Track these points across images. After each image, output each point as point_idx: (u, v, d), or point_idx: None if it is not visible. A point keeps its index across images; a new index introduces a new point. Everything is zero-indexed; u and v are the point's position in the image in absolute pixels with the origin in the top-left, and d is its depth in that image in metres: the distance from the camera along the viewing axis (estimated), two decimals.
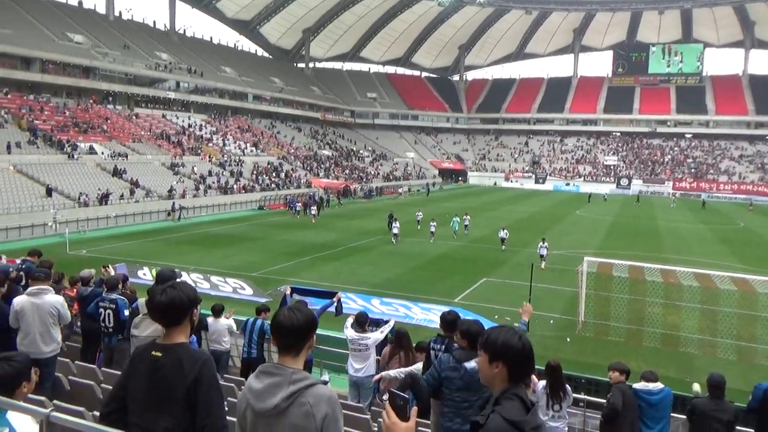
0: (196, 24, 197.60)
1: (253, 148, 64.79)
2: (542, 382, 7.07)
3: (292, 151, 71.57)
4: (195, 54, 75.70)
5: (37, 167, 38.29)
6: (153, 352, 2.98)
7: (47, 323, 6.28)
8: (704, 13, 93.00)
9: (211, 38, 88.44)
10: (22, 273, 8.96)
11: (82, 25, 61.39)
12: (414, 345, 8.06)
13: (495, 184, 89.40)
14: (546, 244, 26.18)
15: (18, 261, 11.39)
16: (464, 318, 5.23)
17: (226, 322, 10.14)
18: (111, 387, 6.04)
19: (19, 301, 6.30)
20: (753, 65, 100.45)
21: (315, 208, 42.21)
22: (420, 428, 6.69)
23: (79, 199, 35.98)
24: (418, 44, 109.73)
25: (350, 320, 8.55)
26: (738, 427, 6.51)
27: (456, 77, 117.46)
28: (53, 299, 6.45)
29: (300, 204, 45.26)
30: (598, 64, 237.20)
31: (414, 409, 2.47)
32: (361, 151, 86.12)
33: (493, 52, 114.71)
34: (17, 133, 42.00)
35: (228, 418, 3.11)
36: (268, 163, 61.11)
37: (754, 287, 17.61)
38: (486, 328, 4.84)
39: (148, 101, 62.75)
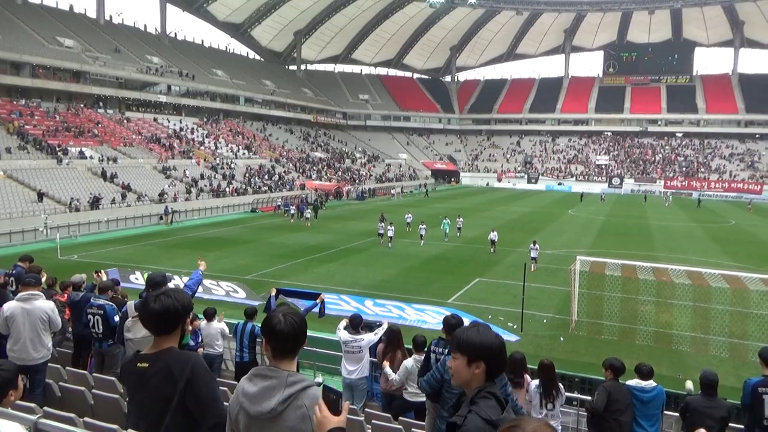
0: (187, 27, 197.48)
1: (246, 151, 64.65)
2: (535, 381, 7.09)
3: (285, 153, 71.47)
4: (186, 57, 75.49)
5: (27, 172, 38.04)
6: (139, 364, 2.92)
7: (38, 329, 6.24)
8: (694, 13, 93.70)
9: (202, 41, 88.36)
10: (12, 278, 8.90)
11: (72, 30, 61.09)
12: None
13: (488, 184, 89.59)
14: (537, 246, 25.77)
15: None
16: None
17: (218, 325, 10.09)
18: (103, 392, 6.03)
19: (9, 306, 6.25)
20: (742, 64, 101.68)
21: (309, 210, 42.08)
22: (414, 429, 6.69)
23: (70, 204, 35.76)
24: (409, 46, 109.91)
25: (343, 323, 8.54)
26: (731, 424, 6.54)
27: (448, 78, 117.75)
28: (44, 305, 6.40)
29: (294, 207, 44.96)
30: (589, 64, 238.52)
31: (346, 403, 2.52)
32: (353, 153, 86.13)
33: (484, 53, 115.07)
34: (7, 138, 41.77)
35: None
36: (261, 166, 60.99)
37: (745, 284, 17.70)
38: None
39: (139, 105, 62.52)
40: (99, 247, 30.15)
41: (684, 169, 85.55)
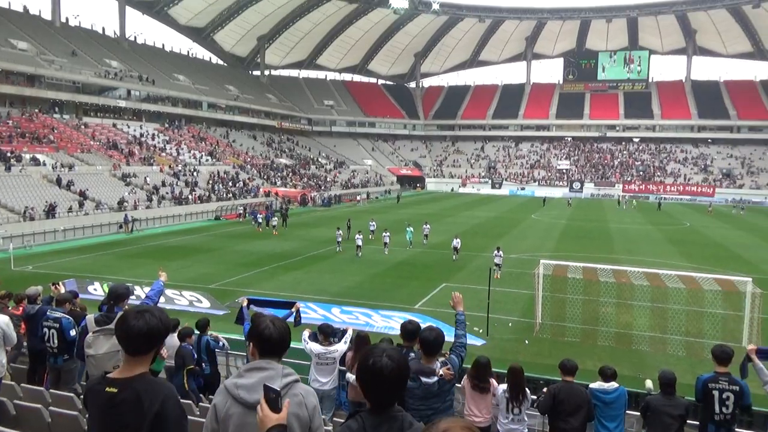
0: (148, 31, 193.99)
1: (209, 157, 63.66)
2: (503, 386, 7.17)
3: (249, 159, 70.67)
4: (146, 61, 73.98)
5: None
6: (107, 388, 2.71)
7: None
8: (649, 22, 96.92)
9: (163, 45, 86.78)
10: None
11: (26, 32, 59.18)
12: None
13: (452, 190, 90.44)
14: (501, 252, 25.26)
15: None
16: (424, 326, 5.21)
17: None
18: (61, 410, 5.82)
19: None
20: (695, 71, 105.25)
21: (277, 218, 41.40)
22: None
23: (24, 212, 34.54)
24: (374, 52, 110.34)
25: (307, 332, 8.44)
26: (689, 421, 6.75)
27: (412, 84, 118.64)
28: None
29: (260, 214, 43.90)
30: (550, 71, 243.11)
31: (286, 401, 2.56)
32: (318, 159, 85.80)
33: (448, 59, 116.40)
34: None
35: None
36: (225, 173, 60.15)
37: (700, 284, 18.33)
38: (444, 335, 4.91)
39: (97, 110, 60.93)
40: (55, 257, 29.19)
41: (641, 173, 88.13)
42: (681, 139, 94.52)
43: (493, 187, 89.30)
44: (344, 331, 8.81)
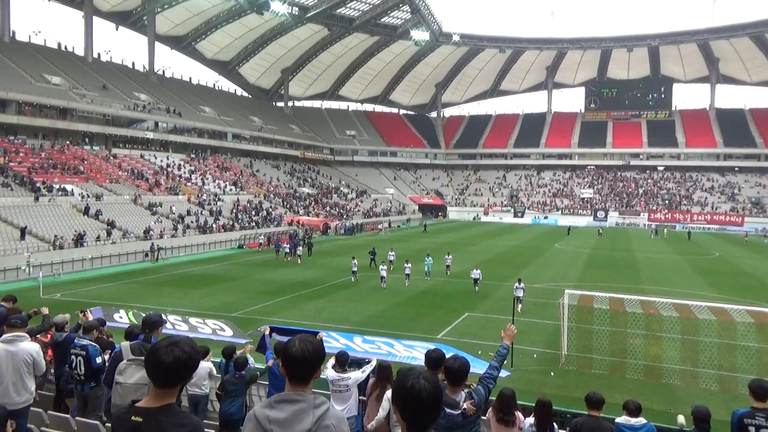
0: (176, 65, 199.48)
1: (233, 187, 64.64)
2: (530, 419, 7.01)
3: (272, 189, 71.53)
4: (174, 94, 76.03)
5: (10, 210, 37.60)
6: (133, 417, 2.75)
7: (21, 372, 6.08)
8: (670, 50, 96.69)
9: (190, 78, 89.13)
10: None
11: (59, 67, 61.43)
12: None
13: (475, 218, 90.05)
14: (522, 285, 24.14)
15: None
16: (449, 355, 5.16)
17: (206, 365, 9.89)
18: None
19: None
20: (719, 99, 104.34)
21: (301, 248, 40.95)
22: None
23: (54, 241, 35.30)
24: (395, 83, 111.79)
25: (331, 361, 8.42)
26: None
27: (433, 114, 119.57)
28: (29, 347, 6.26)
29: (286, 244, 43.10)
30: (571, 100, 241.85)
31: None
32: (341, 188, 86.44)
33: (469, 89, 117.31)
34: None
35: None
36: (248, 202, 60.92)
37: (731, 316, 17.82)
38: (469, 365, 4.85)
39: (126, 141, 62.60)
40: (82, 286, 29.67)
41: (667, 201, 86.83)
42: (707, 167, 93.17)
43: (515, 215, 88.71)
44: (368, 361, 8.74)
